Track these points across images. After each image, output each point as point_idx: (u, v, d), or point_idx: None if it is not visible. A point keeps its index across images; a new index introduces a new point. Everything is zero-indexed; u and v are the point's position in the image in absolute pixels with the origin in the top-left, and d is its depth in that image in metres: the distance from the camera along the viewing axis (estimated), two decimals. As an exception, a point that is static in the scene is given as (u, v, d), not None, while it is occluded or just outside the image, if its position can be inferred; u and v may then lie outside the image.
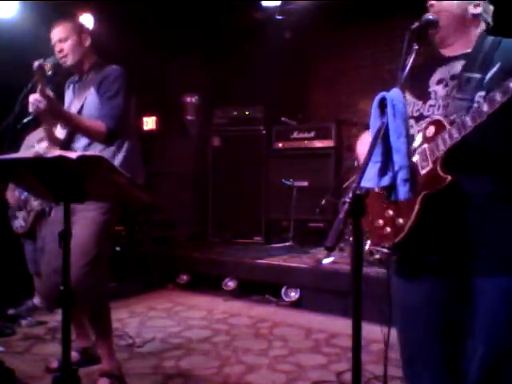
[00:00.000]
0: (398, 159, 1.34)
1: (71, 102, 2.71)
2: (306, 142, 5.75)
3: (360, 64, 6.02)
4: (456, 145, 1.36)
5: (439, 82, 1.55)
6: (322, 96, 6.39)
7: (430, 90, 1.57)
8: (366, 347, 3.07)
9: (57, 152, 1.66)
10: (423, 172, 1.42)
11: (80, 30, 2.69)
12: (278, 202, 5.66)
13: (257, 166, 5.88)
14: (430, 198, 1.40)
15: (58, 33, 2.63)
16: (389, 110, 1.33)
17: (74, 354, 2.83)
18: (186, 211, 6.14)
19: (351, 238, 3.11)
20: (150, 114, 6.10)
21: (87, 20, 4.70)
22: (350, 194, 1.14)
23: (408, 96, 1.60)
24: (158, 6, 5.15)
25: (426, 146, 1.44)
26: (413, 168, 1.39)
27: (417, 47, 1.44)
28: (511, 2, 2.50)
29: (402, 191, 1.34)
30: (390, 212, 1.50)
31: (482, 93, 1.41)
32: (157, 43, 5.44)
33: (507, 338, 1.41)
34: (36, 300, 4.03)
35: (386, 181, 1.37)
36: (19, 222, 3.90)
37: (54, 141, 2.65)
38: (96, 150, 2.54)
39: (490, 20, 1.58)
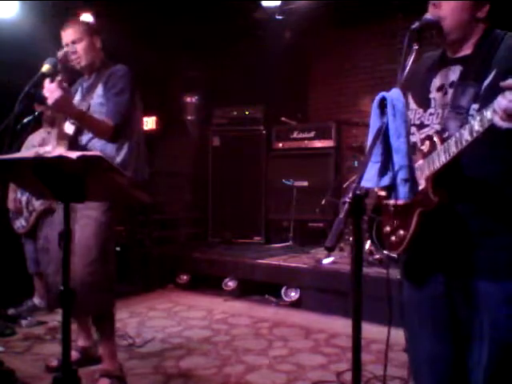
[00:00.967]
0: (398, 159, 1.33)
1: (79, 103, 2.70)
2: (306, 141, 5.75)
3: (360, 64, 6.03)
4: (449, 163, 1.35)
5: (439, 88, 1.55)
6: (322, 96, 6.40)
7: (431, 96, 1.56)
8: (366, 347, 3.08)
9: (57, 152, 1.66)
10: (420, 188, 1.41)
11: (92, 31, 2.70)
12: (277, 202, 5.66)
13: (257, 166, 5.87)
14: (427, 214, 1.41)
15: (70, 34, 2.62)
16: (389, 109, 1.32)
17: (74, 353, 2.83)
18: (186, 211, 6.14)
19: (351, 238, 3.11)
20: (149, 114, 6.09)
21: (87, 20, 4.70)
22: (350, 194, 1.14)
23: (411, 102, 1.60)
24: (158, 6, 5.15)
25: (421, 162, 1.45)
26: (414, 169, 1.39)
27: (417, 47, 1.43)
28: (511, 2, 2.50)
29: (402, 191, 1.34)
30: (395, 221, 1.52)
31: (476, 105, 1.40)
32: (157, 43, 5.44)
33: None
34: (36, 300, 4.04)
35: (385, 181, 1.37)
36: (21, 222, 3.92)
37: (62, 136, 2.65)
38: (101, 141, 2.56)
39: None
